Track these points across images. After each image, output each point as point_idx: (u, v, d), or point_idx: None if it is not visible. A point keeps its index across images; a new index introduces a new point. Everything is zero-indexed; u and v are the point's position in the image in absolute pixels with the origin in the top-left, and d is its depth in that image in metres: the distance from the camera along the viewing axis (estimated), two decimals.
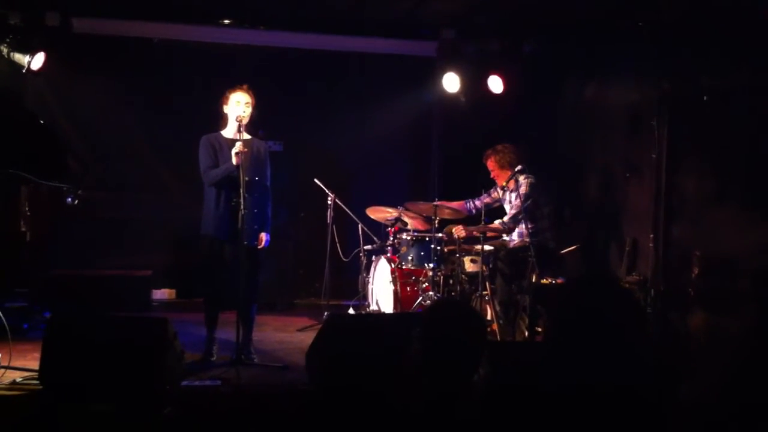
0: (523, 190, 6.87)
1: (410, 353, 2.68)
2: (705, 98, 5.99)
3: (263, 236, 5.91)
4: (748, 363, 2.57)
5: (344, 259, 7.90)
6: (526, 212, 6.79)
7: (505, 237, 7.22)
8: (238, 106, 5.84)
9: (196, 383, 5.13)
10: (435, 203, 7.23)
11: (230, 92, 5.89)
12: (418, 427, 2.59)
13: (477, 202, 7.40)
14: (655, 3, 6.47)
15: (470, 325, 2.77)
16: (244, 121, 5.80)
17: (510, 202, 7.12)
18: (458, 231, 6.98)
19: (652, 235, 6.48)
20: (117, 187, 8.75)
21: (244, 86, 5.91)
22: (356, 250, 7.87)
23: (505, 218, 7.07)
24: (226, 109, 5.92)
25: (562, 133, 8.26)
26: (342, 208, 7.64)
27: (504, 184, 6.98)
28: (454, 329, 2.70)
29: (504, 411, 2.36)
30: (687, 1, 6.21)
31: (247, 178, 5.65)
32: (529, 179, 6.94)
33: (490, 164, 7.17)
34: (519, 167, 6.83)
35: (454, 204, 7.38)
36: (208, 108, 6.20)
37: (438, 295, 6.98)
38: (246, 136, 5.86)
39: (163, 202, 8.73)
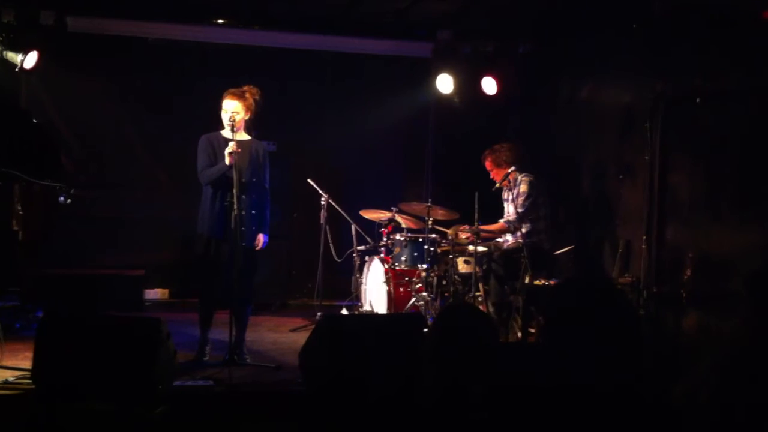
0: (521, 189, 6.88)
1: (422, 351, 2.68)
2: (698, 100, 6.00)
3: (261, 237, 5.91)
4: (741, 364, 2.58)
5: (337, 260, 7.89)
6: (526, 212, 6.81)
7: (500, 237, 7.22)
8: (226, 113, 5.81)
9: (189, 383, 5.12)
10: (428, 204, 7.23)
11: (224, 97, 5.85)
12: (412, 426, 2.59)
13: (509, 216, 7.29)
14: (648, 4, 6.48)
15: (482, 327, 2.77)
16: (238, 123, 5.79)
17: (508, 200, 7.12)
18: (463, 232, 6.99)
19: (645, 237, 6.49)
20: (110, 186, 8.73)
21: (240, 89, 5.85)
22: (349, 251, 7.86)
23: (510, 217, 7.06)
24: (221, 111, 5.90)
25: (555, 134, 8.28)
26: (335, 208, 7.63)
27: (498, 184, 6.98)
28: (467, 331, 2.71)
29: (500, 412, 2.36)
30: (680, 2, 6.23)
31: (244, 180, 5.64)
32: (528, 178, 6.95)
33: (488, 164, 7.18)
34: (512, 168, 6.84)
35: (495, 226, 7.15)
36: (202, 107, 6.20)
37: (431, 296, 6.98)
38: (244, 136, 5.86)
39: (156, 201, 8.74)
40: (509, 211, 7.12)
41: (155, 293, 8.77)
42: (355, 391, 4.35)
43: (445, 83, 8.48)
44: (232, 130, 5.72)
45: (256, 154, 5.94)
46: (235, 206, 5.46)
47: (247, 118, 5.90)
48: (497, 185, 6.99)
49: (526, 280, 6.43)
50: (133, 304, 7.77)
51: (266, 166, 6.01)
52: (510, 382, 2.40)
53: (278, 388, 5.23)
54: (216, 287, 5.80)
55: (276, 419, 4.75)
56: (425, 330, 4.93)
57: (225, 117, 5.82)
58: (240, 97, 5.83)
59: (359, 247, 7.79)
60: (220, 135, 5.92)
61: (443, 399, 2.55)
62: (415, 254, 7.29)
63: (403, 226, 7.61)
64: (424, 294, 6.98)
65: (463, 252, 7.18)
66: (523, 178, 6.94)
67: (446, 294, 7.16)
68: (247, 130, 5.92)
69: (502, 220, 7.13)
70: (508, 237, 7.15)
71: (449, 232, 7.20)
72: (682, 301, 6.04)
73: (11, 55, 7.37)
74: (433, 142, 9.60)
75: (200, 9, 8.26)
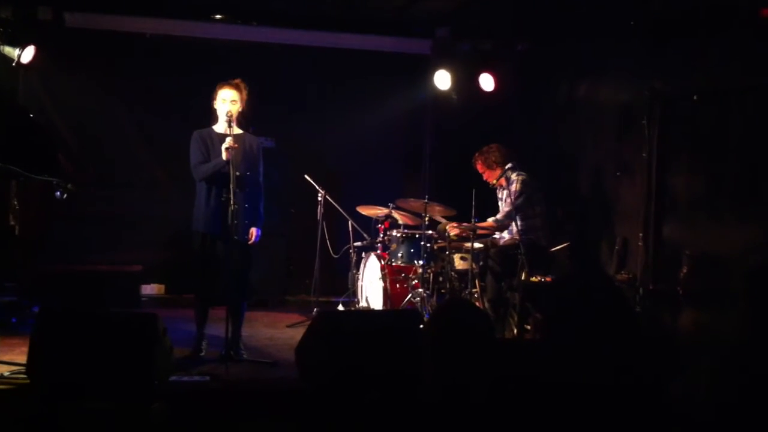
0: (514, 187, 6.88)
1: (419, 348, 2.67)
2: (695, 98, 6.00)
3: (253, 231, 5.88)
4: (737, 362, 2.58)
5: (334, 256, 7.89)
6: (517, 209, 6.80)
7: (495, 234, 7.22)
8: (224, 103, 5.80)
9: (185, 379, 5.12)
10: (425, 201, 7.22)
11: (218, 88, 5.85)
12: (408, 424, 2.59)
13: (498, 215, 7.29)
14: (646, 2, 6.48)
15: (479, 324, 2.77)
16: (234, 117, 5.78)
17: (502, 199, 7.14)
18: (451, 229, 6.99)
19: (642, 234, 6.49)
20: (107, 182, 8.72)
21: (234, 81, 5.85)
22: (346, 247, 7.87)
23: (499, 215, 7.08)
24: (216, 104, 5.90)
25: (553, 132, 8.27)
26: (332, 204, 7.63)
27: (494, 182, 7.00)
28: (463, 327, 2.70)
29: (498, 409, 2.37)
30: (680, 1, 6.23)
31: (238, 173, 5.62)
32: (522, 176, 6.95)
33: (479, 167, 7.18)
34: (510, 165, 6.84)
35: (484, 224, 7.10)
36: (200, 103, 6.17)
37: (428, 292, 6.99)
38: (237, 130, 5.83)
39: (153, 197, 8.72)
40: (503, 209, 7.13)
41: (152, 289, 8.76)
42: (350, 387, 4.35)
43: (442, 80, 8.48)
44: (230, 125, 5.72)
45: (250, 147, 5.93)
46: (232, 201, 5.44)
47: (241, 110, 5.89)
48: (494, 182, 7.00)
49: (523, 277, 6.43)
50: (130, 300, 7.76)
51: (260, 160, 6.00)
52: (507, 379, 2.40)
53: (274, 384, 5.23)
54: (212, 284, 5.79)
55: (272, 415, 4.75)
56: (421, 326, 4.93)
57: (222, 107, 5.81)
58: (236, 87, 5.84)
59: (356, 244, 7.79)
60: (213, 131, 5.91)
61: (441, 396, 2.55)
62: (412, 251, 7.30)
63: (400, 222, 7.61)
64: (420, 290, 6.98)
65: (459, 248, 7.18)
66: (517, 177, 6.95)
67: (443, 290, 7.15)
68: (239, 124, 5.90)
69: (491, 219, 7.11)
70: (505, 234, 7.16)
71: (442, 223, 7.18)
72: (678, 298, 6.04)
73: (8, 50, 7.36)
74: (430, 138, 9.59)
75: (199, 5, 8.25)
